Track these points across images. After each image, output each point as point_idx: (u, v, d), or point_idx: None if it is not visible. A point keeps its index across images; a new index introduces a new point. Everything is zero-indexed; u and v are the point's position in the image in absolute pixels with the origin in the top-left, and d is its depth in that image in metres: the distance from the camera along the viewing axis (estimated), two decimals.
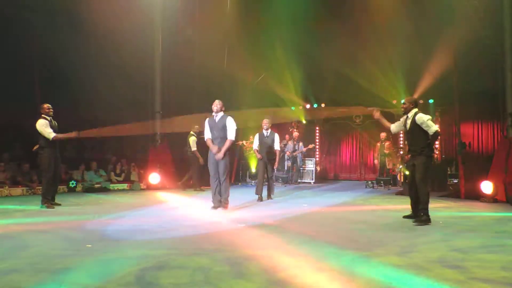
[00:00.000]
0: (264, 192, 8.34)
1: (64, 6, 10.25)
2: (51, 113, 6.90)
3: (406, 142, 12.12)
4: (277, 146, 8.46)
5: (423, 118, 5.51)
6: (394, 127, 6.10)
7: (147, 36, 11.76)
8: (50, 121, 6.83)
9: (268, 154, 8.32)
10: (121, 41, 10.39)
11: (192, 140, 10.30)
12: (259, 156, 8.41)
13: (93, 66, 10.36)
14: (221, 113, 6.42)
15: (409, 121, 5.71)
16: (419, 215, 5.46)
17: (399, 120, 6.08)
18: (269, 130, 8.49)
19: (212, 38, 12.30)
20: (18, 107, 9.98)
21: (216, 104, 6.44)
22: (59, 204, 7.00)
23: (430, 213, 5.54)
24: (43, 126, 6.67)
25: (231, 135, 6.39)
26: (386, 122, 6.24)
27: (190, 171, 10.64)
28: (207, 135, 6.52)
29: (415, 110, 5.69)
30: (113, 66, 10.42)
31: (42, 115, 6.80)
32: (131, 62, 10.60)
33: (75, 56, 10.08)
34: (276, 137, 8.50)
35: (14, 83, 10.05)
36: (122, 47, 10.50)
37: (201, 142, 10.37)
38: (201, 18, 12.40)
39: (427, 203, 5.45)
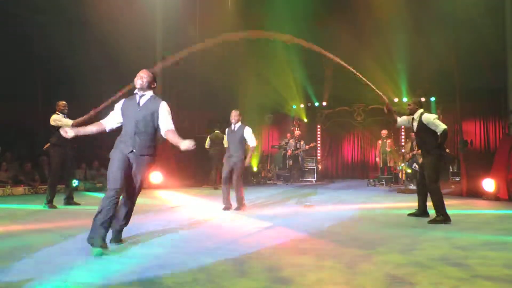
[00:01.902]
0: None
1: (65, 7, 10.27)
2: (66, 110, 6.84)
3: (407, 140, 12.17)
4: (250, 141, 6.69)
5: (429, 118, 5.46)
6: (400, 120, 6.04)
7: (148, 37, 11.76)
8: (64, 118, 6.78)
9: (234, 153, 6.63)
10: (123, 41, 10.40)
11: (209, 138, 10.88)
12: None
13: (95, 66, 10.38)
14: (150, 92, 3.93)
15: (415, 123, 5.65)
16: (437, 215, 5.32)
17: (405, 116, 6.01)
18: (239, 124, 6.71)
19: (214, 36, 12.28)
20: (20, 106, 10.00)
21: (142, 77, 3.87)
22: (79, 204, 6.99)
23: (430, 212, 5.54)
24: (57, 119, 6.62)
25: (169, 126, 3.89)
26: (395, 115, 6.18)
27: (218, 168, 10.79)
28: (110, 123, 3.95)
29: (421, 110, 5.65)
30: (115, 67, 10.43)
31: (57, 112, 6.77)
32: (133, 62, 10.62)
33: (77, 56, 10.09)
34: (247, 131, 6.67)
35: (16, 83, 10.07)
36: (123, 48, 10.51)
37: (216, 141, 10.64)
38: (202, 18, 12.40)
39: (439, 202, 5.31)
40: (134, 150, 3.74)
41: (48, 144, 6.85)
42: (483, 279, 2.86)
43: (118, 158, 3.71)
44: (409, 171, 11.00)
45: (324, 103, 16.13)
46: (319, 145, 16.39)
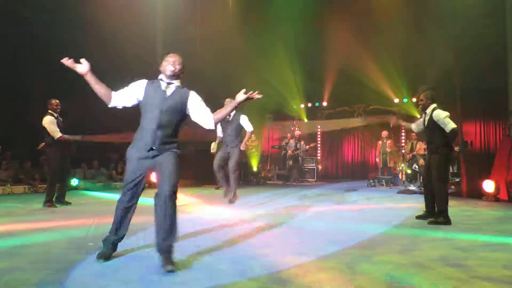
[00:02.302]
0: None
1: (66, 5, 10.27)
2: (59, 110, 6.77)
3: (407, 141, 12.17)
4: (248, 128, 6.55)
5: (440, 115, 5.27)
6: (415, 126, 5.89)
7: (149, 35, 11.76)
8: (57, 118, 6.69)
9: (231, 142, 6.53)
10: (123, 40, 10.39)
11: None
12: (213, 149, 6.98)
13: (95, 66, 10.36)
14: (177, 82, 3.39)
15: (427, 118, 5.48)
16: (438, 216, 5.27)
17: (420, 118, 5.90)
18: (234, 112, 6.40)
19: (214, 36, 12.29)
20: (20, 106, 10.00)
21: (174, 62, 3.32)
22: (70, 203, 6.95)
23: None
24: (50, 124, 6.56)
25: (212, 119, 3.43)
26: (407, 124, 6.17)
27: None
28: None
29: (434, 105, 5.46)
30: (116, 66, 10.44)
31: (49, 111, 6.67)
32: (133, 62, 10.63)
33: (78, 56, 10.09)
34: (243, 118, 6.56)
35: (17, 82, 10.07)
36: (124, 47, 10.50)
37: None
38: (202, 16, 12.41)
39: (444, 203, 5.23)
40: (154, 148, 3.20)
41: (43, 143, 6.75)
42: (483, 280, 2.86)
43: (134, 160, 3.26)
44: (409, 171, 11.00)
45: (324, 103, 16.14)
46: (319, 145, 16.40)
